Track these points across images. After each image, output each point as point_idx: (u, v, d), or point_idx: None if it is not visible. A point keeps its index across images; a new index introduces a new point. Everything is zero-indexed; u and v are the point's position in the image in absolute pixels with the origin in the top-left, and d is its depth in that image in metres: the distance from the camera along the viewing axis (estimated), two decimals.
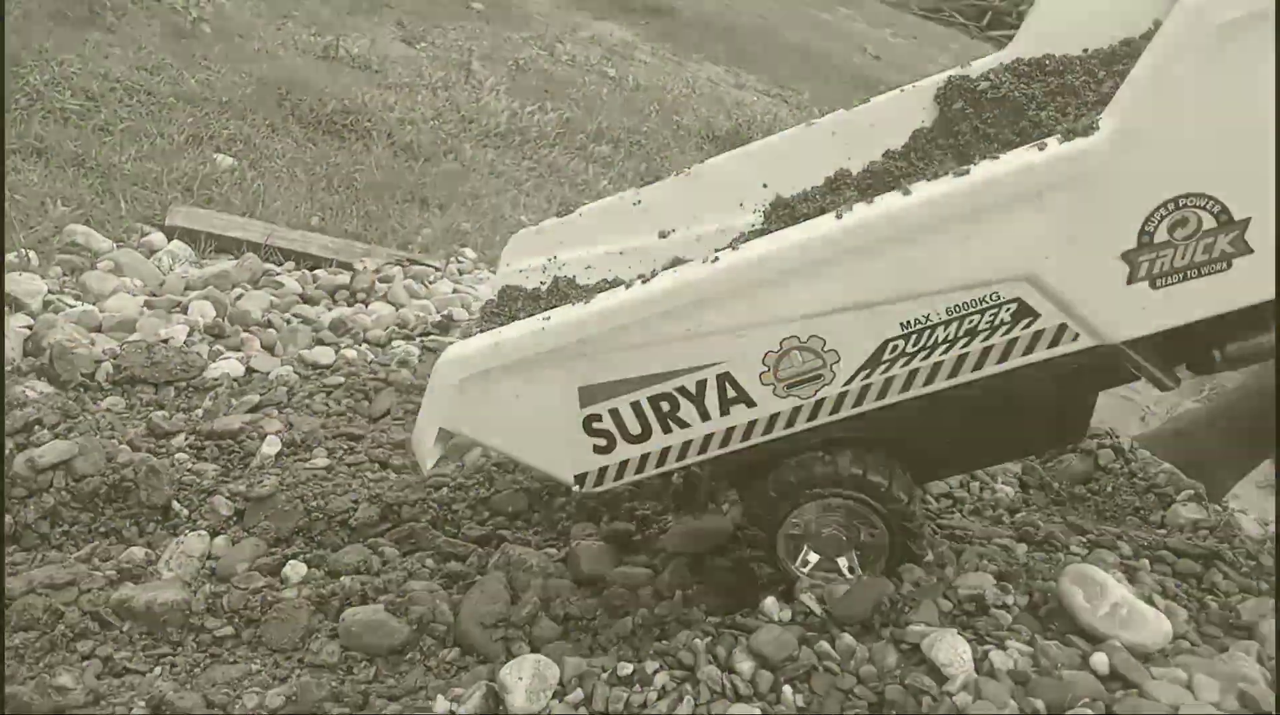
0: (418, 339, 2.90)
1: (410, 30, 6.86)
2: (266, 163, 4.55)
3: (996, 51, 1.75)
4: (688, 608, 1.59)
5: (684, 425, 1.25)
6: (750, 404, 1.23)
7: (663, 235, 1.78)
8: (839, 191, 1.73)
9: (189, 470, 2.12)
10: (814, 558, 1.45)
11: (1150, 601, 1.45)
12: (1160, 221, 1.12)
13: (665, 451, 1.29)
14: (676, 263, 1.67)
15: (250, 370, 2.58)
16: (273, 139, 4.75)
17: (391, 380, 2.51)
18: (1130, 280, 1.15)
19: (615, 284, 1.71)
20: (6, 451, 1.99)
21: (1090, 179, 1.12)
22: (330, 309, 3.26)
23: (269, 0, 6.46)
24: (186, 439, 2.25)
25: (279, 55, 5.58)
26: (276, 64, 5.43)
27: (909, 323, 1.18)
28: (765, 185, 1.77)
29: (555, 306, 1.60)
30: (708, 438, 1.27)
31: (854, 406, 1.24)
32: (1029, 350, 1.21)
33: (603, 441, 1.29)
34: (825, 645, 1.34)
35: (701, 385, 1.20)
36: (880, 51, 10.26)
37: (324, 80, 5.36)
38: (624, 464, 1.31)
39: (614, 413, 1.25)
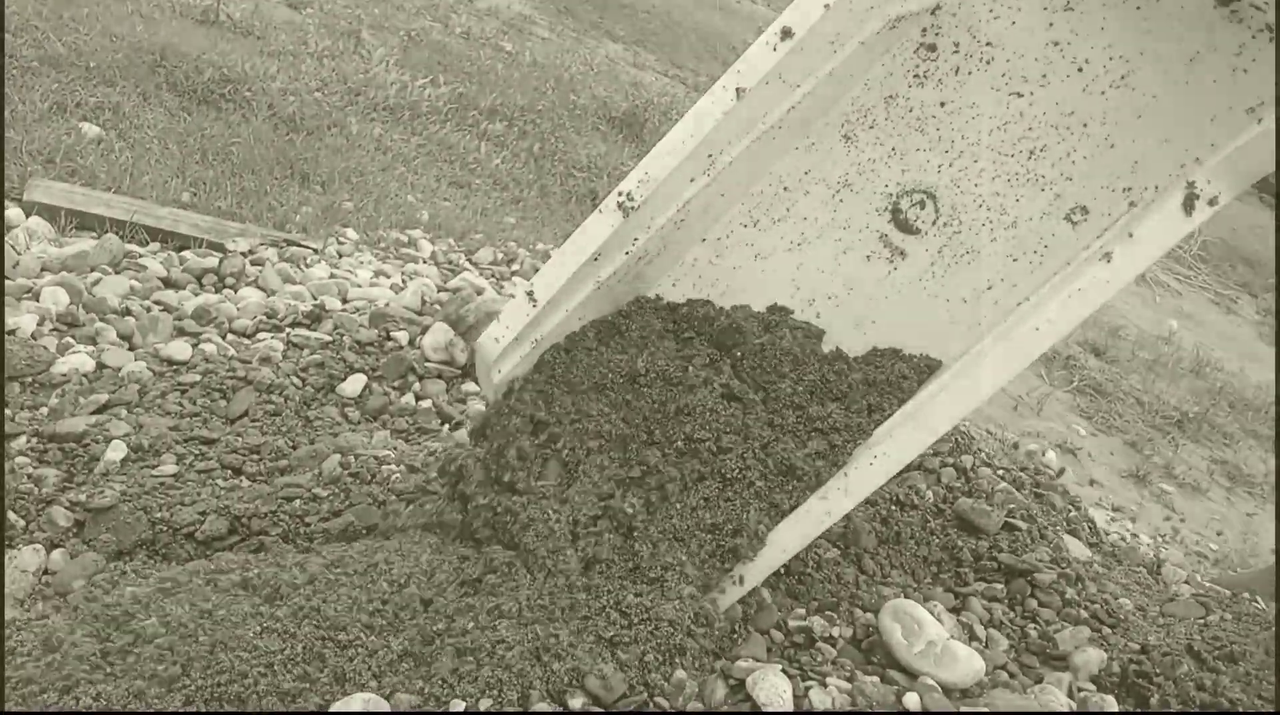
0: (285, 332, 2.82)
1: None
2: (136, 133, 4.36)
3: None
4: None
5: None
6: None
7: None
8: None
9: (29, 476, 2.04)
10: None
11: (972, 632, 1.51)
12: None
13: None
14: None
15: (101, 365, 2.48)
16: (144, 108, 4.56)
17: (251, 378, 2.44)
18: None
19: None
20: None
21: None
22: (196, 294, 3.15)
23: None
24: (28, 441, 2.16)
25: (154, 18, 5.34)
26: (151, 27, 5.19)
27: None
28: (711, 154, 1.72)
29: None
30: None
31: None
32: None
33: None
34: (658, 679, 1.35)
35: None
36: None
37: (202, 46, 5.15)
38: None
39: None
